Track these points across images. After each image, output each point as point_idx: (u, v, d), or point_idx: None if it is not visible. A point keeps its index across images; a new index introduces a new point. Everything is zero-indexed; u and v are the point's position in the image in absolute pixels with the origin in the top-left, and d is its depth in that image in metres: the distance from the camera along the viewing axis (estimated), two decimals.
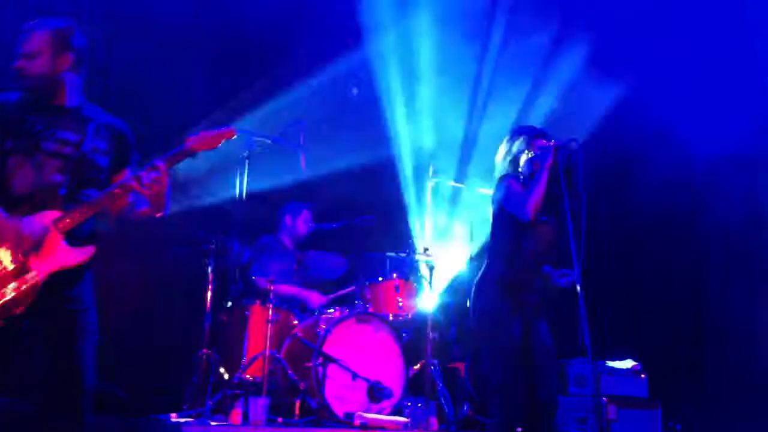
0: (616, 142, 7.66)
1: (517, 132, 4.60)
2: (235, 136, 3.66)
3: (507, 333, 4.24)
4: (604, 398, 6.05)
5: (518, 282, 4.33)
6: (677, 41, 7.31)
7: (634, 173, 7.62)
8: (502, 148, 4.59)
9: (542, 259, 4.43)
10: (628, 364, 6.36)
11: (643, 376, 6.30)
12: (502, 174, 4.49)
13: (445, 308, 6.67)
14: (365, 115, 7.30)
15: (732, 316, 7.25)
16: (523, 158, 4.46)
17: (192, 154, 3.55)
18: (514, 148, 4.52)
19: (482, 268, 4.46)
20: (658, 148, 7.38)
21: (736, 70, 7.23)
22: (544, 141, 4.43)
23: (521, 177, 4.44)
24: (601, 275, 7.40)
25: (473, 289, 4.45)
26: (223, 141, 3.61)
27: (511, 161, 4.51)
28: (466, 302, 6.28)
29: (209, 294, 5.58)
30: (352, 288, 6.22)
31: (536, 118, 7.14)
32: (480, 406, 5.94)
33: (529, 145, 4.47)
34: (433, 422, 5.61)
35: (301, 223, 6.42)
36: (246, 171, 5.80)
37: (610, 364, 6.31)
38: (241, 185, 5.85)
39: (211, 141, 3.57)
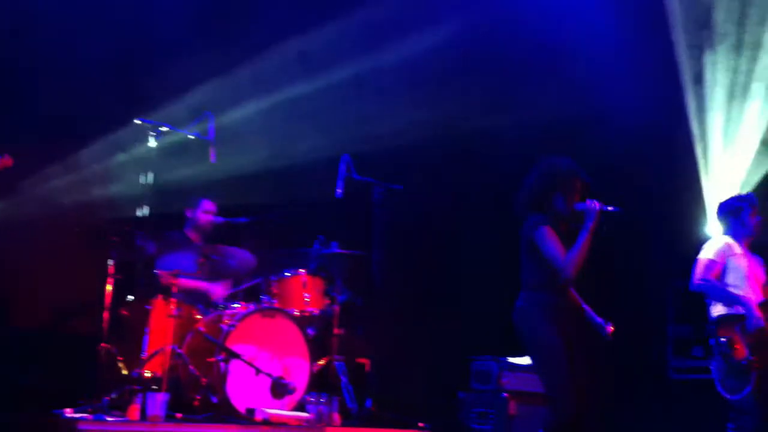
0: None
1: (553, 171, 4.60)
2: (10, 164, 3.99)
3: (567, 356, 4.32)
4: (505, 394, 6.18)
5: (560, 304, 4.44)
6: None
7: None
8: (536, 181, 4.60)
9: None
10: (528, 360, 6.47)
11: None
12: (535, 214, 4.49)
13: (352, 304, 6.70)
14: (277, 111, 7.29)
15: (629, 315, 7.47)
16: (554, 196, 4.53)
17: None
18: (549, 187, 4.53)
19: (526, 297, 4.49)
20: None
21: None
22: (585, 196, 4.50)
23: (551, 217, 4.47)
24: (501, 272, 7.55)
25: (522, 318, 4.46)
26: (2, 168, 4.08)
27: (541, 196, 4.54)
28: (372, 298, 6.40)
29: (109, 287, 5.49)
30: (257, 281, 6.21)
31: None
32: (383, 402, 6.00)
33: (566, 188, 4.52)
34: (336, 418, 5.63)
35: (201, 214, 6.35)
36: (153, 164, 5.74)
37: (512, 360, 6.43)
38: (149, 178, 5.78)
39: None
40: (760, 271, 5.40)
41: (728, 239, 5.41)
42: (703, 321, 5.46)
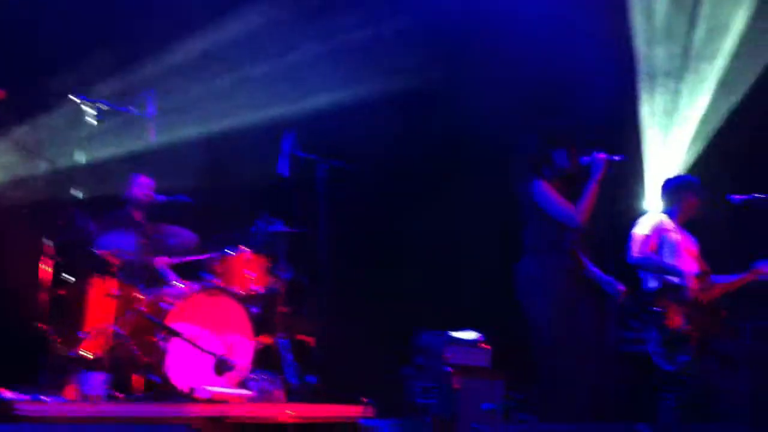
0: None
1: (553, 129, 4.61)
2: (3, 97, 3.80)
3: (576, 319, 4.31)
4: (449, 368, 6.22)
5: (570, 267, 4.42)
6: None
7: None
8: (536, 141, 4.60)
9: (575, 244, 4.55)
10: (472, 334, 6.54)
11: (486, 346, 6.50)
12: (532, 173, 4.48)
13: (297, 282, 6.69)
14: (223, 86, 7.21)
15: None
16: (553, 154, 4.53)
17: None
18: (550, 144, 4.53)
19: (528, 262, 4.44)
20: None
21: None
22: (582, 149, 4.53)
23: (551, 173, 4.45)
24: (445, 248, 7.61)
25: (522, 285, 4.42)
26: None
27: (542, 156, 4.53)
28: (317, 275, 6.38)
29: (48, 267, 5.40)
30: (204, 256, 6.18)
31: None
32: (328, 378, 6.01)
33: (567, 145, 4.52)
34: (280, 395, 5.64)
35: (137, 191, 6.27)
36: (92, 140, 5.64)
37: (455, 335, 6.48)
38: (87, 155, 5.67)
39: None
40: (692, 246, 5.51)
41: (663, 216, 5.51)
42: (639, 293, 5.55)
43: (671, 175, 6.04)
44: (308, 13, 7.32)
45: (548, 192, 4.40)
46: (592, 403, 4.41)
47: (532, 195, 4.42)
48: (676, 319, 5.16)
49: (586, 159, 4.54)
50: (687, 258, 5.41)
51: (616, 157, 4.56)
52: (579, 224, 4.38)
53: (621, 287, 4.61)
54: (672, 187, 5.62)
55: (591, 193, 4.42)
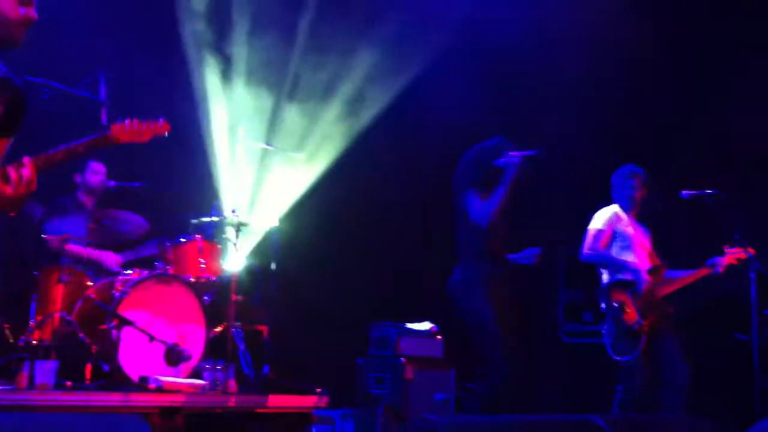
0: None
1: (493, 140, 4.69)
2: (167, 133, 3.46)
3: (503, 323, 4.53)
4: (402, 359, 6.24)
5: (499, 274, 4.61)
6: None
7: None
8: (479, 151, 4.72)
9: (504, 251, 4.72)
10: (426, 326, 6.57)
11: (439, 337, 6.54)
12: (468, 182, 4.61)
13: (251, 270, 6.62)
14: (177, 73, 7.09)
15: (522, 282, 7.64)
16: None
17: (114, 143, 3.38)
18: (487, 154, 4.62)
19: (462, 270, 4.64)
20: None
21: None
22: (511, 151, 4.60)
23: (485, 181, 4.53)
24: (396, 239, 7.63)
25: (458, 290, 4.58)
26: (153, 136, 3.45)
27: (481, 165, 4.59)
28: (271, 264, 6.33)
29: None
30: (151, 251, 6.07)
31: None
32: (281, 368, 5.97)
33: (499, 153, 4.59)
34: (232, 385, 5.56)
35: (90, 175, 6.14)
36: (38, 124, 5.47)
37: (410, 325, 6.50)
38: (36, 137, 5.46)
39: (139, 134, 3.40)
40: (646, 240, 5.60)
41: (617, 208, 5.59)
42: (593, 287, 5.63)
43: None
44: None
45: (471, 198, 4.56)
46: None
47: (464, 205, 4.58)
48: (631, 314, 5.24)
49: (500, 161, 4.62)
50: (640, 252, 5.49)
51: (529, 153, 4.63)
52: (486, 226, 4.53)
53: (537, 251, 4.76)
54: (617, 178, 5.70)
55: (500, 195, 4.54)
